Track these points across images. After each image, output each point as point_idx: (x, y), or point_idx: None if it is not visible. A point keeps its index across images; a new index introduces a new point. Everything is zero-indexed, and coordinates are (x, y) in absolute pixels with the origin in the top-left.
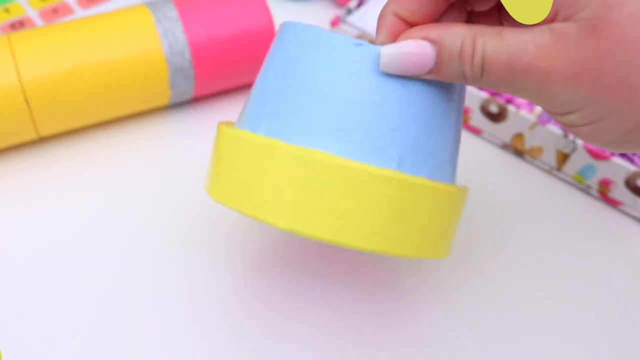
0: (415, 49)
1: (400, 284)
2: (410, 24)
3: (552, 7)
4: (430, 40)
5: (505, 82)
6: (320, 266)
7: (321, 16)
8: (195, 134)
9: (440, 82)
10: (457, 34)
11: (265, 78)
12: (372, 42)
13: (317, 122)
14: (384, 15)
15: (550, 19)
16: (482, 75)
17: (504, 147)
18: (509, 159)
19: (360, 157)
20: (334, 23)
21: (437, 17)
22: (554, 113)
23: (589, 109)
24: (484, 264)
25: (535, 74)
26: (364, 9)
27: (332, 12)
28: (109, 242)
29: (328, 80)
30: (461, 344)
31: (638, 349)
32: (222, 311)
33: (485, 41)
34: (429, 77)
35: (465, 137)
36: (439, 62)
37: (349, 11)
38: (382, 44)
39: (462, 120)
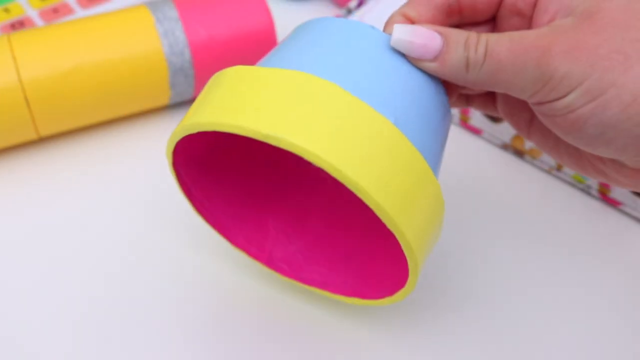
0: (425, 30)
1: None
2: None
3: (549, 13)
4: (438, 32)
5: (505, 65)
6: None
7: (321, 16)
8: None
9: (439, 94)
10: (462, 32)
11: (273, 51)
12: None
13: (324, 63)
14: (393, 15)
15: (549, 21)
16: (485, 60)
17: (504, 147)
18: (509, 159)
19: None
20: None
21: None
22: (551, 101)
23: (588, 83)
24: (483, 264)
25: (535, 50)
26: (364, 9)
27: (332, 12)
28: (109, 241)
29: (340, 42)
30: (460, 344)
31: (638, 349)
32: (219, 311)
33: (489, 35)
34: (432, 65)
35: (465, 137)
36: (444, 49)
37: (349, 11)
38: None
39: (445, 143)
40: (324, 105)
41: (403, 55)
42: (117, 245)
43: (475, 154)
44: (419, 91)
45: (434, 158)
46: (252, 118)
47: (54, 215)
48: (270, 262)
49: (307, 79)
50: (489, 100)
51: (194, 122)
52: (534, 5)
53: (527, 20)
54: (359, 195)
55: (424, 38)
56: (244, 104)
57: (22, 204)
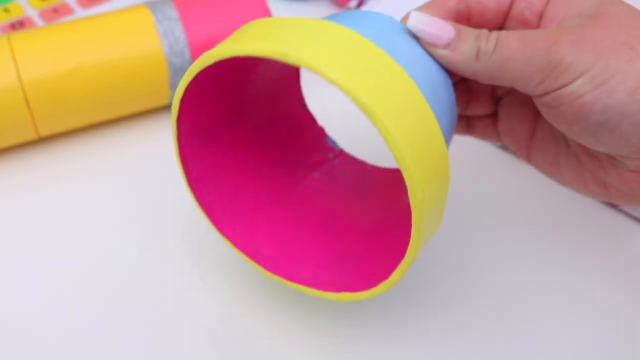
0: (440, 21)
1: (398, 286)
2: None
3: (555, 22)
4: (452, 25)
5: (514, 54)
6: None
7: (321, 16)
8: None
9: (448, 85)
10: (474, 28)
11: None
12: None
13: (344, 23)
14: (408, 13)
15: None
16: (495, 48)
17: (504, 147)
18: (509, 159)
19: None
20: None
21: None
22: (557, 89)
23: (594, 70)
24: (482, 265)
25: (544, 40)
26: (364, 9)
27: (332, 12)
28: (109, 242)
29: (359, 19)
30: (460, 344)
31: (638, 349)
32: (220, 313)
33: (500, 32)
34: (444, 52)
35: (466, 137)
36: (457, 37)
37: None
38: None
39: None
40: (344, 42)
41: (418, 41)
42: (117, 245)
43: (475, 154)
44: (430, 70)
45: (444, 132)
46: (272, 42)
47: (53, 216)
48: (256, 256)
49: (328, 23)
50: (489, 122)
51: (211, 54)
52: (541, 16)
53: None
54: (371, 119)
55: (438, 28)
56: (264, 36)
57: (22, 203)
